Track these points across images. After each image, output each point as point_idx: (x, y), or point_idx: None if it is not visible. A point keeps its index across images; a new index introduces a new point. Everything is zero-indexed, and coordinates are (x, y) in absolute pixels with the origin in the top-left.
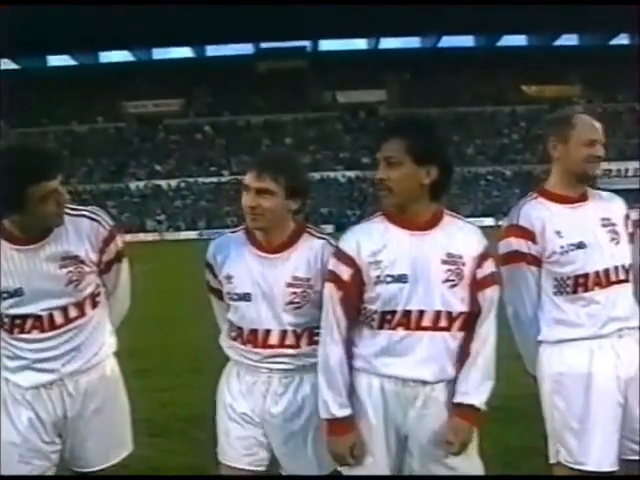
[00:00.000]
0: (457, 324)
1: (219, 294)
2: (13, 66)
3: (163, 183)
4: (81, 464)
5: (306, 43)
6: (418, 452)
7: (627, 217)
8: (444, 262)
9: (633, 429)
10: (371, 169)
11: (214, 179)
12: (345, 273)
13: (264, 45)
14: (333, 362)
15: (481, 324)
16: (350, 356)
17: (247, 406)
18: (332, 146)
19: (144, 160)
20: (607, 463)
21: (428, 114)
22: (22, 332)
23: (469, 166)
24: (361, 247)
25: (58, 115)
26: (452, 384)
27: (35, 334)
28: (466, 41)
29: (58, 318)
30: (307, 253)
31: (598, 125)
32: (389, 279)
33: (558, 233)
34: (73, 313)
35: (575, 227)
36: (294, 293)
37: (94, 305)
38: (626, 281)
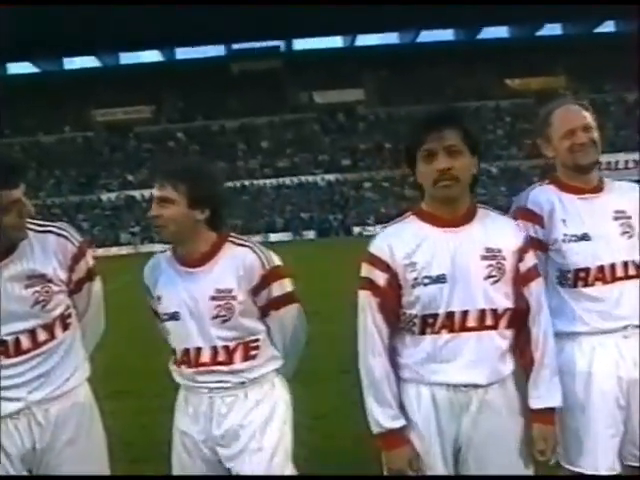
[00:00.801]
0: (504, 321)
1: (158, 317)
2: None
3: (136, 194)
4: None
5: (280, 43)
6: (474, 460)
7: None
8: (484, 258)
9: (635, 433)
10: (352, 171)
11: None
12: (380, 278)
13: (236, 46)
14: (379, 375)
15: (534, 322)
16: (394, 366)
17: (195, 431)
18: (310, 148)
19: (115, 170)
20: (604, 467)
21: (412, 112)
22: None
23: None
24: (394, 250)
25: (23, 126)
26: (506, 384)
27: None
28: (445, 35)
29: (25, 342)
30: (229, 263)
31: (577, 110)
32: (427, 280)
33: (564, 221)
34: (42, 336)
35: (582, 218)
36: (218, 306)
37: (64, 327)
38: (636, 277)
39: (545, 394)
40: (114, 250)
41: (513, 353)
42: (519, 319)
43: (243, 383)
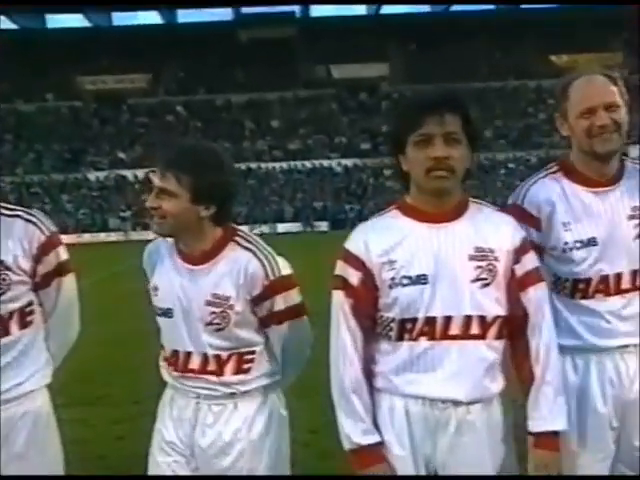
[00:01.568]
0: (493, 331)
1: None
2: None
3: (128, 173)
4: None
5: (295, 8)
6: None
7: None
8: (472, 258)
9: (627, 454)
10: (371, 156)
11: None
12: (354, 277)
13: (246, 10)
14: (350, 385)
15: (534, 332)
16: (369, 375)
17: (176, 435)
18: (326, 129)
19: (105, 146)
20: None
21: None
22: None
23: (486, 152)
24: (370, 246)
25: None
26: (492, 405)
27: None
28: (482, 4)
29: None
30: (230, 267)
31: (601, 84)
32: (406, 281)
33: (566, 225)
34: None
35: (590, 219)
36: (213, 313)
37: (23, 325)
38: None
39: (548, 415)
40: (102, 236)
41: (510, 368)
42: (514, 329)
43: (233, 394)
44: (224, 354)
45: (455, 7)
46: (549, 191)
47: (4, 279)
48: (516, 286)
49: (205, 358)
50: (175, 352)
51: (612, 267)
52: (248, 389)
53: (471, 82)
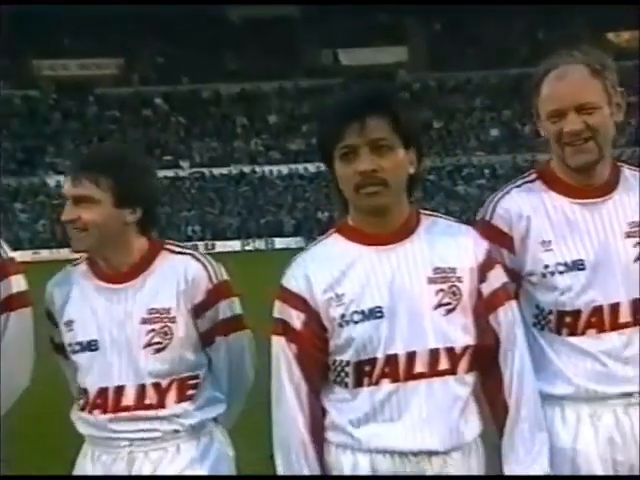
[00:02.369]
0: (464, 363)
1: (65, 351)
2: None
3: None
4: None
5: None
6: None
7: None
8: (431, 281)
9: None
10: None
11: (169, 172)
12: (297, 320)
13: None
14: (295, 448)
15: (506, 359)
16: (323, 430)
17: None
18: None
19: (68, 144)
20: None
21: (463, 79)
22: None
23: (526, 152)
24: (312, 280)
25: None
26: (472, 451)
27: None
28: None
29: None
30: (166, 275)
31: (577, 77)
32: (358, 317)
33: (545, 244)
34: None
35: (576, 236)
36: (152, 331)
37: None
38: None
39: (525, 458)
40: (63, 253)
41: (482, 406)
42: (485, 358)
43: (176, 432)
44: (164, 382)
45: None
46: (524, 203)
47: None
48: (484, 308)
49: (142, 390)
50: (103, 391)
51: (606, 296)
52: (192, 423)
53: (507, 68)
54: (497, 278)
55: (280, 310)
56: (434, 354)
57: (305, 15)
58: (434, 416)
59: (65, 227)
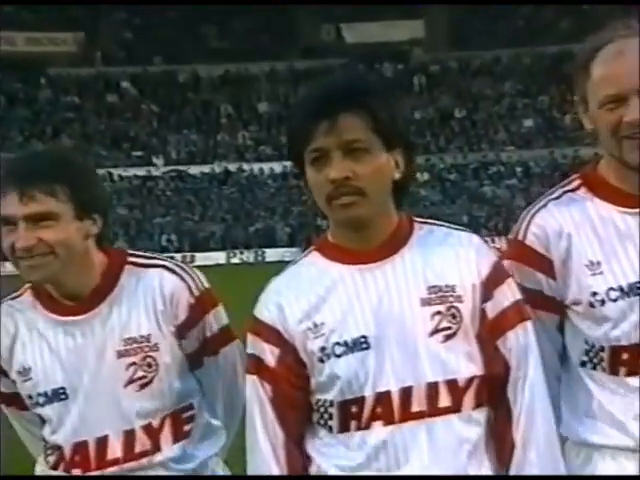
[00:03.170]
0: (469, 398)
1: (19, 402)
2: None
3: None
4: None
5: None
6: None
7: None
8: (426, 302)
9: None
10: None
11: (140, 171)
12: (270, 355)
13: None
14: None
15: (515, 390)
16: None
17: None
18: None
19: (15, 136)
20: None
21: (492, 58)
22: None
23: (566, 146)
24: (286, 308)
25: None
26: None
27: None
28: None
29: None
30: (137, 295)
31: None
32: (340, 349)
33: (592, 266)
34: None
35: (631, 253)
36: (132, 364)
37: None
38: None
39: None
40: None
41: (492, 446)
42: (494, 390)
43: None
44: (156, 421)
45: None
46: (564, 218)
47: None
48: (491, 332)
49: (130, 436)
50: (81, 445)
51: None
52: (194, 467)
53: (545, 45)
54: (506, 295)
55: (252, 345)
56: (433, 389)
57: None
58: (437, 463)
59: (11, 257)
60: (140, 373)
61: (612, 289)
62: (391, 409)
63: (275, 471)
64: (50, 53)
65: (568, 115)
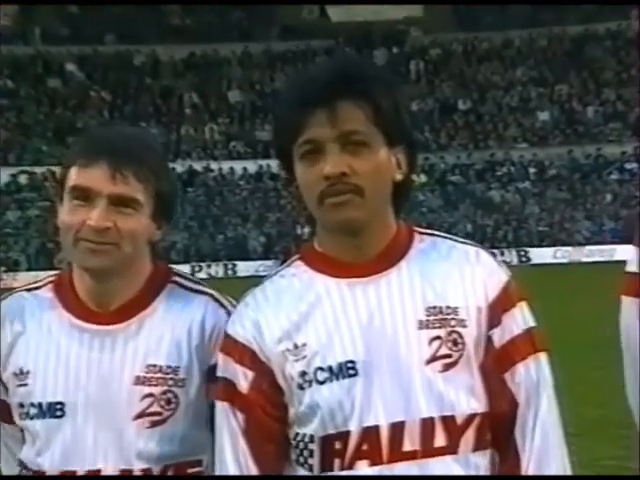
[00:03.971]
0: (469, 438)
1: (3, 412)
2: None
3: None
4: None
5: None
6: None
7: None
8: (423, 325)
9: None
10: None
11: None
12: (243, 379)
13: None
14: None
15: (524, 432)
16: None
17: None
18: None
19: None
20: None
21: (499, 40)
22: None
23: (589, 144)
24: (264, 326)
25: None
26: None
27: None
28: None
29: None
30: (175, 320)
31: None
32: (323, 375)
33: None
34: None
35: None
36: (149, 396)
37: None
38: None
39: None
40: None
41: None
42: (499, 430)
43: None
44: (157, 468)
45: None
46: None
47: None
48: (497, 363)
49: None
50: (68, 476)
51: None
52: None
53: (564, 24)
54: (517, 322)
55: (223, 366)
56: (428, 426)
57: None
58: None
59: (69, 236)
60: (156, 408)
61: None
62: (379, 447)
63: None
64: None
65: (590, 107)
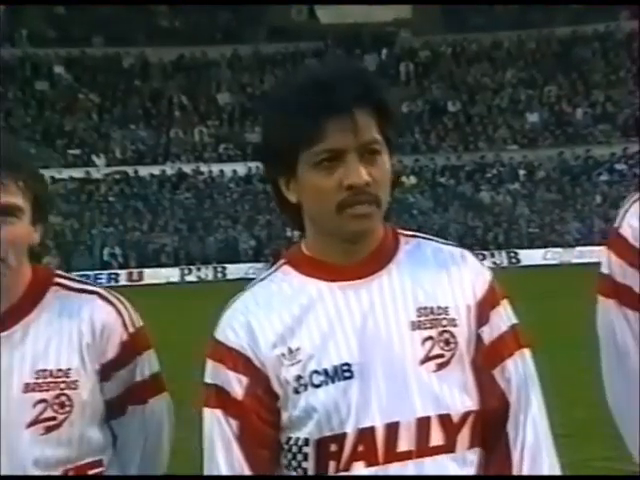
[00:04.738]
0: (465, 436)
1: None
2: None
3: None
4: None
5: None
6: None
7: None
8: (416, 326)
9: None
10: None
11: (78, 172)
12: (237, 386)
13: None
14: None
15: (516, 428)
16: None
17: None
18: None
19: None
20: None
21: (489, 42)
22: None
23: (579, 145)
24: (257, 331)
25: None
26: None
27: None
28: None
29: None
30: (62, 322)
31: None
32: (319, 378)
33: None
34: None
35: None
36: (42, 401)
37: None
38: None
39: None
40: None
41: None
42: (490, 427)
43: None
44: (56, 473)
45: None
46: None
47: None
48: (487, 360)
49: None
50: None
51: None
52: None
53: (553, 26)
54: (503, 319)
55: (214, 373)
56: (423, 425)
57: None
58: None
59: None
60: (49, 413)
61: None
62: (375, 448)
63: None
64: None
65: (579, 109)
